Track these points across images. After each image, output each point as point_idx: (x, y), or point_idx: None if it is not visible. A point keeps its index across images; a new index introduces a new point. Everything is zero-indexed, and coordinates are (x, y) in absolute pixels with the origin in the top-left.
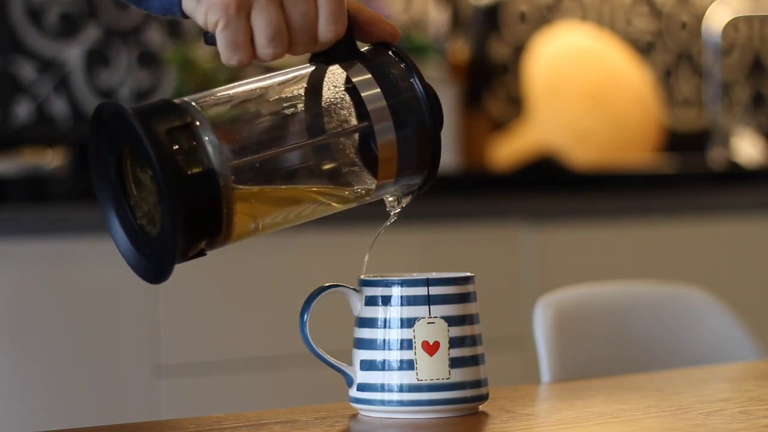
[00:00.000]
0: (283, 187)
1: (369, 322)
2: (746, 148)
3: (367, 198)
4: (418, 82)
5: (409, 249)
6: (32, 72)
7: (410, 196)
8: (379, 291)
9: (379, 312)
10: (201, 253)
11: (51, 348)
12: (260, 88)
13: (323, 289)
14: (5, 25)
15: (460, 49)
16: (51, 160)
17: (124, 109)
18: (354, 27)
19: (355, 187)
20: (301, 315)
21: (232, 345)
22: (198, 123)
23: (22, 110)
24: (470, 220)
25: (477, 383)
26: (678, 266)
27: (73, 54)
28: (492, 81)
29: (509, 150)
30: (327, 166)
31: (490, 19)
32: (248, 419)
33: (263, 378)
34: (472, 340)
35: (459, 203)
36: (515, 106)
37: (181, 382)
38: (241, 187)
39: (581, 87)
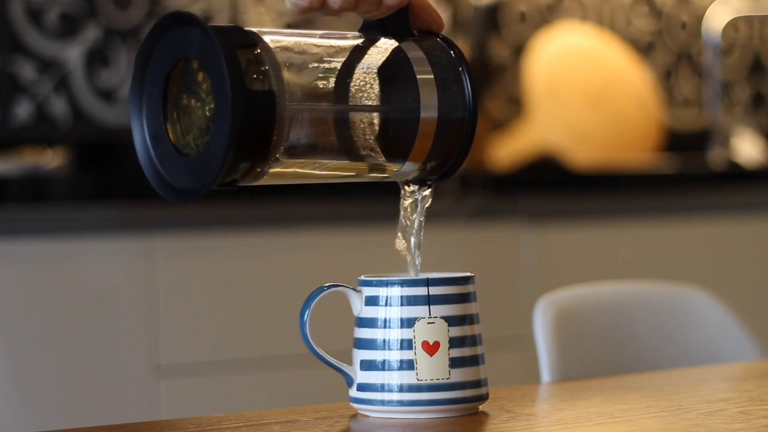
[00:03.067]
0: (325, 141)
1: (369, 322)
2: (746, 148)
3: (393, 174)
4: (466, 74)
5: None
6: (32, 72)
7: (429, 185)
8: (379, 291)
9: (379, 312)
10: (233, 183)
11: (51, 348)
12: (319, 43)
13: (323, 289)
14: (5, 25)
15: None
16: (51, 160)
17: (198, 17)
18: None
19: (385, 161)
20: (301, 315)
21: (232, 345)
22: (266, 52)
23: (22, 110)
24: (470, 220)
25: (477, 383)
26: (678, 266)
27: (73, 54)
28: (492, 81)
29: (509, 150)
30: (366, 134)
31: (490, 19)
32: (248, 419)
33: (263, 378)
34: (472, 340)
35: (459, 203)
36: (515, 106)
37: (181, 382)
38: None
39: (581, 87)
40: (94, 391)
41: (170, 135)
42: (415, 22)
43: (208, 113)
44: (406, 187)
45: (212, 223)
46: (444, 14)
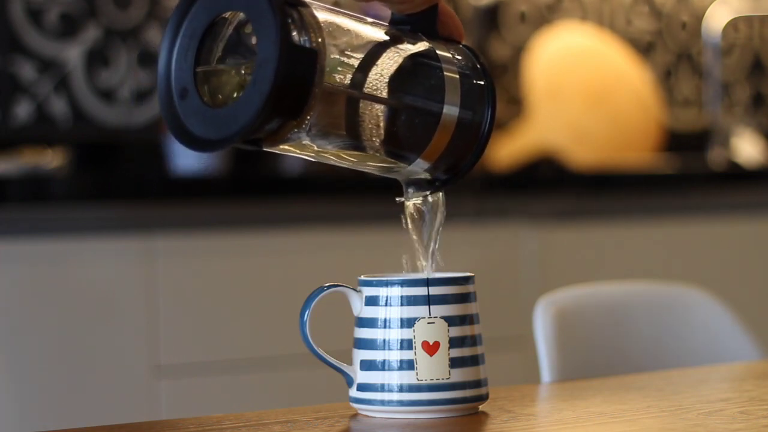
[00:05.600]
0: (348, 122)
1: (369, 322)
2: (746, 148)
3: (403, 169)
4: (489, 85)
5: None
6: (32, 72)
7: (430, 190)
8: (379, 291)
9: (379, 312)
10: (257, 143)
11: (51, 348)
12: (358, 26)
13: (323, 289)
14: (5, 25)
15: None
16: (51, 160)
17: None
18: None
19: (398, 151)
20: (301, 315)
21: (232, 345)
22: (312, 18)
23: (22, 110)
24: (470, 220)
25: (477, 383)
26: (678, 266)
27: (73, 54)
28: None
29: (509, 150)
30: (386, 121)
31: (490, 19)
32: (248, 419)
33: (263, 378)
34: (472, 340)
35: (459, 203)
36: (515, 106)
37: (181, 382)
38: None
39: (581, 87)
40: (94, 391)
41: (199, 92)
42: (440, 27)
43: (243, 71)
44: (409, 192)
45: (212, 223)
46: None
